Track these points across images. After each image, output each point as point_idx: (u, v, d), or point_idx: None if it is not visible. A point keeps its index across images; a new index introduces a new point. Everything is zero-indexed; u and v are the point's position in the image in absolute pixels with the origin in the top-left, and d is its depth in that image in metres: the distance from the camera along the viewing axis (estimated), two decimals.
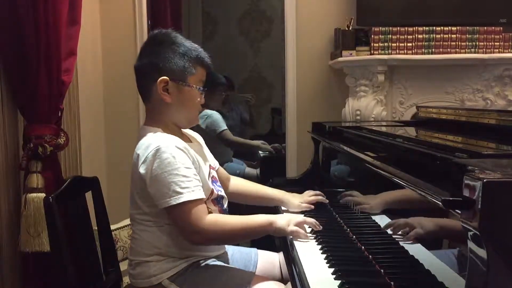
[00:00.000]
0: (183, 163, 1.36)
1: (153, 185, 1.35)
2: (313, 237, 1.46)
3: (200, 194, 1.36)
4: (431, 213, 1.06)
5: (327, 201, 1.75)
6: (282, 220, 1.44)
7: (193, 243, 1.41)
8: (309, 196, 1.76)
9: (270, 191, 1.79)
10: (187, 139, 1.55)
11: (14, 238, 1.91)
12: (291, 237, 1.45)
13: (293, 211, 1.72)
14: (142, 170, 1.36)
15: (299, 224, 1.44)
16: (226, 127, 3.56)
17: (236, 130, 4.28)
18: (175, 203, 1.32)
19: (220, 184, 1.60)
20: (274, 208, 1.80)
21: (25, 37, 1.84)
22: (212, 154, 1.70)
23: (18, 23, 1.84)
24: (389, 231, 1.30)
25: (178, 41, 1.46)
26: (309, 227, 1.49)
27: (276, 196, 1.76)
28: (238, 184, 1.79)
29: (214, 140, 3.47)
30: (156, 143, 1.37)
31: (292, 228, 1.42)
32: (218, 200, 1.53)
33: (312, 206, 1.73)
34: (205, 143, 1.70)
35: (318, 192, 1.79)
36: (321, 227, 1.47)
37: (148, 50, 1.49)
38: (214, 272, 1.45)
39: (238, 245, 1.81)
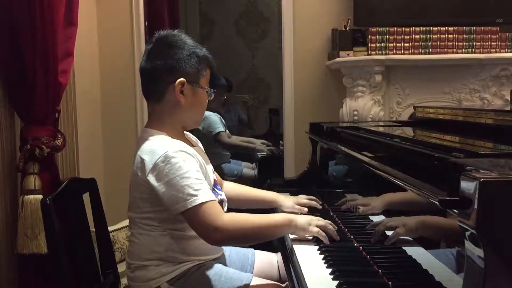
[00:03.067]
0: (193, 166, 1.35)
1: (166, 191, 1.32)
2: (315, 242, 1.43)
3: (212, 195, 1.36)
4: (433, 214, 1.06)
5: (320, 206, 1.73)
6: (302, 219, 1.41)
7: (213, 243, 1.38)
8: (303, 199, 1.75)
9: (262, 193, 1.78)
10: (189, 143, 1.54)
11: (11, 240, 1.90)
12: (289, 238, 1.45)
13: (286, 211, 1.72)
14: (151, 177, 1.34)
15: (321, 227, 1.40)
16: (222, 129, 3.55)
17: (234, 131, 4.28)
18: (191, 206, 1.30)
19: (220, 187, 1.60)
20: (272, 210, 1.79)
21: (22, 38, 1.83)
22: (210, 155, 1.70)
23: (15, 24, 1.83)
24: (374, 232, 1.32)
25: (188, 42, 1.46)
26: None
27: (269, 198, 1.75)
28: (231, 188, 1.77)
29: (211, 141, 3.47)
30: (163, 149, 1.35)
31: (313, 228, 1.39)
32: (219, 204, 1.53)
33: (306, 209, 1.71)
34: (207, 143, 1.70)
35: (312, 196, 1.78)
36: (339, 238, 1.42)
37: (158, 52, 1.45)
38: (213, 275, 1.44)
39: None
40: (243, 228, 1.36)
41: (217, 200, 1.50)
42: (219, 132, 3.51)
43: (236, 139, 3.90)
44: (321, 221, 1.42)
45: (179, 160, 1.33)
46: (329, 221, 1.44)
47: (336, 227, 1.44)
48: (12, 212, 1.92)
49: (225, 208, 1.56)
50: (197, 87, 1.45)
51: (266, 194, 1.77)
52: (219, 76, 3.60)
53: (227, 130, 3.78)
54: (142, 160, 1.38)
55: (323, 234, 1.39)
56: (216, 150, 3.60)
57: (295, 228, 1.40)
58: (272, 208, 1.79)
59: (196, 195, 1.30)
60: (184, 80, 1.42)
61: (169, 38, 1.47)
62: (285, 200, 1.73)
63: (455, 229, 0.83)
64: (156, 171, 1.34)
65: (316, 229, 1.39)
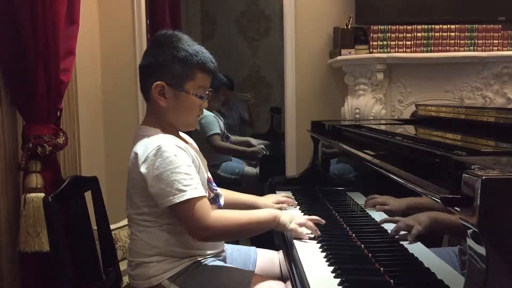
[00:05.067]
0: (185, 161, 1.36)
1: (155, 184, 1.34)
2: (315, 240, 1.44)
3: (202, 191, 1.37)
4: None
5: (296, 204, 1.83)
6: (285, 216, 1.46)
7: (199, 240, 1.41)
8: (281, 196, 1.84)
9: (242, 196, 1.79)
10: (184, 140, 1.55)
11: (14, 238, 1.91)
12: (290, 235, 1.46)
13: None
14: (143, 169, 1.35)
15: (301, 225, 1.46)
16: (216, 131, 3.49)
17: (235, 130, 4.27)
18: (178, 201, 1.32)
19: (215, 184, 1.60)
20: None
21: (23, 36, 1.83)
22: (211, 153, 1.71)
23: (17, 22, 1.83)
24: (390, 231, 1.30)
25: (180, 45, 1.43)
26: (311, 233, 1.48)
27: (248, 201, 1.78)
28: None
29: (205, 142, 3.44)
30: (156, 143, 1.37)
31: (292, 226, 1.44)
32: (214, 198, 1.54)
33: (285, 205, 1.79)
34: (202, 143, 1.71)
35: (288, 195, 1.90)
36: (323, 221, 1.49)
37: (149, 51, 1.49)
38: (214, 271, 1.45)
39: (237, 243, 1.82)
40: (230, 225, 1.40)
41: (213, 194, 1.52)
42: (211, 135, 3.48)
43: (235, 139, 3.88)
44: (301, 219, 1.47)
45: (170, 154, 1.34)
46: (312, 217, 1.49)
47: (323, 221, 1.49)
48: (14, 210, 1.92)
49: (222, 202, 1.58)
50: (180, 91, 1.43)
51: (246, 197, 1.79)
52: (219, 74, 3.57)
53: (225, 131, 3.76)
54: (136, 154, 1.39)
55: (300, 231, 1.44)
56: None
57: (278, 223, 1.45)
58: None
59: (184, 191, 1.32)
60: (163, 83, 1.41)
61: (160, 38, 1.48)
62: (264, 201, 1.78)
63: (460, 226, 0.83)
64: (147, 164, 1.35)
65: (294, 226, 1.44)
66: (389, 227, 1.32)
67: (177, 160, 1.34)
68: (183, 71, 1.42)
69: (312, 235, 1.45)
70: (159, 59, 1.42)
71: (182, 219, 1.36)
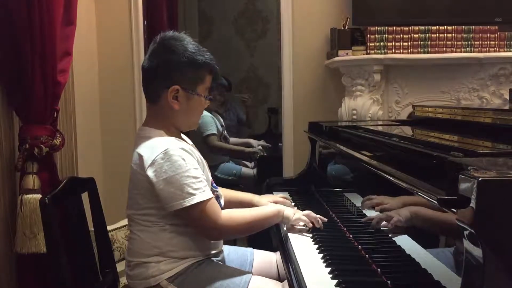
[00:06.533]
0: (192, 164, 1.39)
1: (164, 187, 1.35)
2: (310, 236, 1.47)
3: (210, 193, 1.41)
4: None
5: (292, 205, 1.84)
6: (289, 210, 1.56)
7: (212, 239, 1.49)
8: (278, 197, 1.87)
9: (239, 194, 1.81)
10: (184, 141, 1.56)
11: (10, 240, 1.90)
12: (287, 236, 1.46)
13: None
14: (150, 173, 1.36)
15: (302, 216, 1.55)
16: (213, 131, 3.50)
17: (233, 131, 4.27)
18: (189, 204, 1.35)
19: (215, 185, 1.61)
20: None
21: (20, 37, 1.83)
22: (209, 155, 1.72)
23: (13, 23, 1.83)
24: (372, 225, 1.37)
25: (190, 48, 1.44)
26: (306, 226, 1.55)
27: (246, 199, 1.79)
28: None
29: (202, 142, 3.44)
30: (163, 146, 1.38)
31: (296, 216, 1.54)
32: (215, 199, 1.54)
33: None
34: (200, 144, 1.71)
35: (285, 195, 1.94)
36: (326, 219, 1.57)
37: (159, 54, 1.46)
38: (213, 272, 1.45)
39: (235, 244, 1.82)
40: (239, 224, 1.47)
41: (213, 195, 1.52)
42: (208, 135, 3.48)
43: (233, 141, 3.88)
44: (304, 212, 1.58)
45: (178, 158, 1.36)
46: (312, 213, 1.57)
47: (325, 219, 1.57)
48: (11, 211, 1.92)
49: (222, 202, 1.60)
50: (193, 94, 1.46)
51: (243, 196, 1.81)
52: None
53: (224, 131, 3.76)
54: (141, 156, 1.40)
55: (305, 218, 1.54)
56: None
57: (282, 217, 1.54)
58: None
59: (194, 194, 1.35)
60: (178, 87, 1.43)
61: (170, 41, 1.46)
62: (261, 200, 1.79)
63: (448, 223, 0.83)
64: (155, 167, 1.36)
65: (299, 215, 1.55)
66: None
67: (185, 164, 1.36)
68: (194, 75, 1.45)
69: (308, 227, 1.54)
70: (172, 63, 1.43)
71: (193, 221, 1.40)
